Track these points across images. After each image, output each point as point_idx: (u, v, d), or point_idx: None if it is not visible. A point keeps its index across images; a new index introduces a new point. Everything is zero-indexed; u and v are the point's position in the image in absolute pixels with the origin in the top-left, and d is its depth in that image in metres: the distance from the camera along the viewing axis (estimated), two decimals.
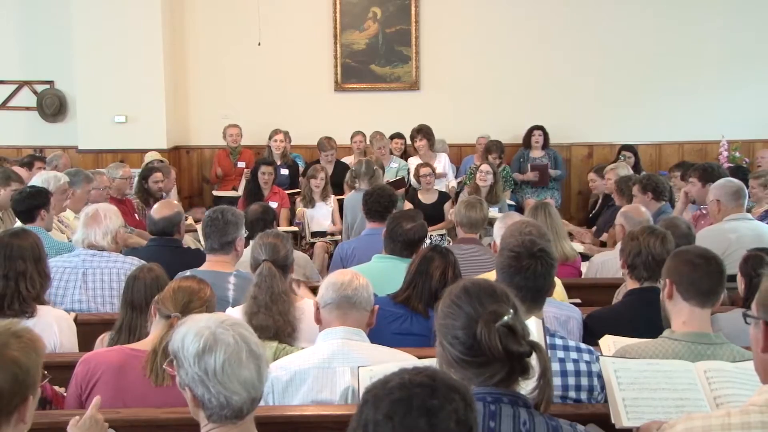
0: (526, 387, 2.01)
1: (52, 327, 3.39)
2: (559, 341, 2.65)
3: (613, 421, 2.38)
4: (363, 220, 5.50)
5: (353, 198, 6.49)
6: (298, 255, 4.70)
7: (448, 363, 2.00)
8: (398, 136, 8.93)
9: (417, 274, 3.49)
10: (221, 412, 2.00)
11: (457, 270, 3.52)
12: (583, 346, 2.73)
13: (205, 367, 1.98)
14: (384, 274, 3.91)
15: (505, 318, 1.93)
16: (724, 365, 2.52)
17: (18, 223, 4.74)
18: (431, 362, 2.09)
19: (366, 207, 5.16)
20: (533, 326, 2.32)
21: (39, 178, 5.38)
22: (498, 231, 4.09)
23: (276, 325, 3.14)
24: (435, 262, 3.48)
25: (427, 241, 6.76)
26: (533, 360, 1.96)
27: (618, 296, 4.11)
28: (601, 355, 2.70)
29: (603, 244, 6.18)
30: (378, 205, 5.04)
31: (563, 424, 2.02)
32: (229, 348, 2.00)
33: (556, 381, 2.52)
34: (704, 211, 5.57)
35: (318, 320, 2.92)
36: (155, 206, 4.74)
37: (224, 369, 1.98)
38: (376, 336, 3.03)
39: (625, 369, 2.45)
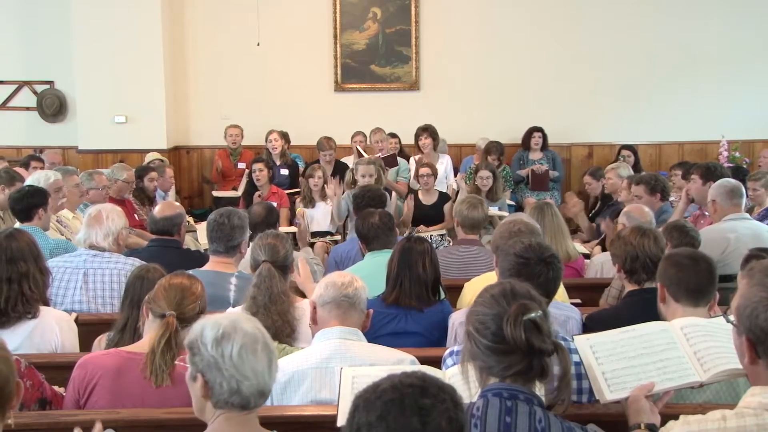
0: (541, 390, 2.07)
1: (53, 328, 3.39)
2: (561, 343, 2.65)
3: (597, 398, 2.36)
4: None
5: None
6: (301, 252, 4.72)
7: (472, 353, 2.08)
8: (391, 135, 8.79)
9: (400, 270, 3.52)
10: (230, 398, 2.04)
11: (433, 256, 3.58)
12: None
13: (222, 350, 2.03)
14: (380, 267, 3.87)
15: (533, 314, 2.02)
16: (698, 320, 2.51)
17: (17, 223, 4.74)
18: (438, 373, 2.11)
19: (357, 209, 5.18)
20: None
21: (31, 179, 5.37)
22: None
23: (275, 326, 3.13)
24: (414, 254, 3.53)
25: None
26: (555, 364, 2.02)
27: (607, 295, 4.12)
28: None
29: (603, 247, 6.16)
30: (369, 207, 5.01)
31: (575, 427, 2.08)
32: (247, 336, 2.06)
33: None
34: (705, 212, 5.56)
35: (314, 320, 2.90)
36: (158, 206, 4.75)
37: (240, 354, 2.03)
38: (373, 338, 3.03)
39: (601, 343, 2.42)
